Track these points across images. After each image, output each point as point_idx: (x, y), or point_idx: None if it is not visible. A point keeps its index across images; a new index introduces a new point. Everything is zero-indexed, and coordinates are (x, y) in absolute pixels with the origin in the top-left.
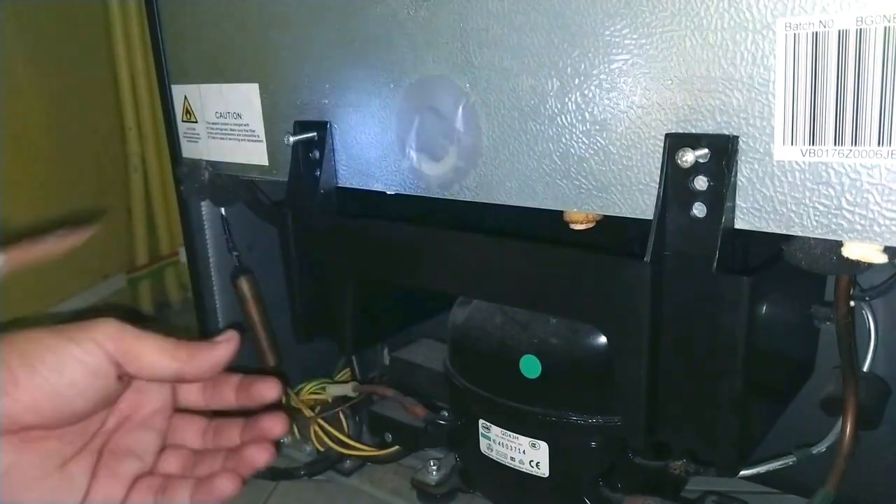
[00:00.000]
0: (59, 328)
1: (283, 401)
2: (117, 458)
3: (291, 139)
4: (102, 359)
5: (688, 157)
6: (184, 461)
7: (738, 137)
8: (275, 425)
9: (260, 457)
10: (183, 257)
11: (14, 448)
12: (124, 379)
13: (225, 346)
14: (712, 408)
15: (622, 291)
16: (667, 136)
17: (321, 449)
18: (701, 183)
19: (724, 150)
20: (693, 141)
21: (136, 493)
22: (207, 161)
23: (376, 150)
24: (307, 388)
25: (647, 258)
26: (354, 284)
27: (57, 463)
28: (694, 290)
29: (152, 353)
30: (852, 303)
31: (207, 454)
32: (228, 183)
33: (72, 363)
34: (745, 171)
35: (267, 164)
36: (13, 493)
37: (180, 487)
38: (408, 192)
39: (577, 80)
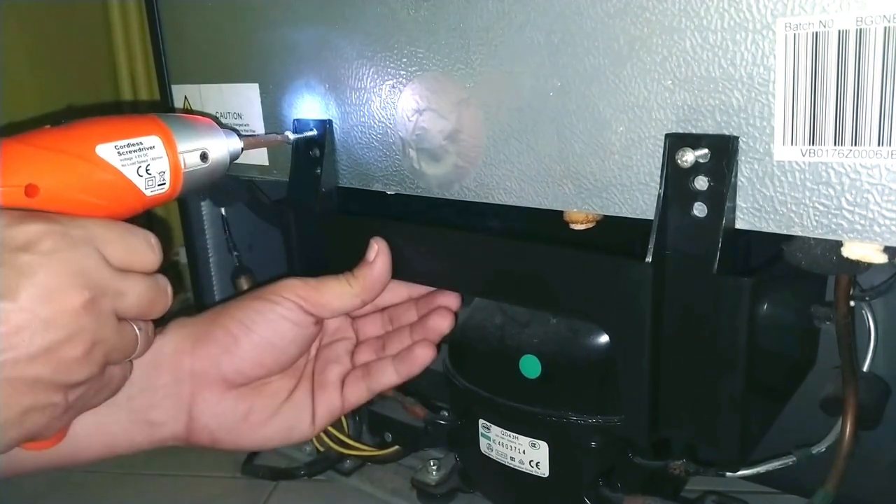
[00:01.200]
0: (256, 293)
1: None
2: (324, 372)
3: (292, 136)
4: (300, 312)
5: (688, 157)
6: (375, 348)
7: (738, 137)
8: (443, 321)
9: (443, 323)
10: (183, 258)
11: (248, 396)
12: (320, 322)
13: (381, 259)
14: (713, 406)
15: (623, 291)
16: (667, 135)
17: (321, 449)
18: (701, 183)
19: (724, 150)
20: (693, 141)
21: (348, 390)
22: None
23: (376, 150)
24: None
25: (647, 258)
26: None
27: (284, 397)
28: (695, 290)
29: (335, 299)
30: (852, 303)
31: (393, 335)
32: (228, 183)
33: (278, 320)
34: (746, 171)
35: (267, 163)
36: (255, 432)
37: (382, 367)
38: (408, 192)
39: (577, 80)
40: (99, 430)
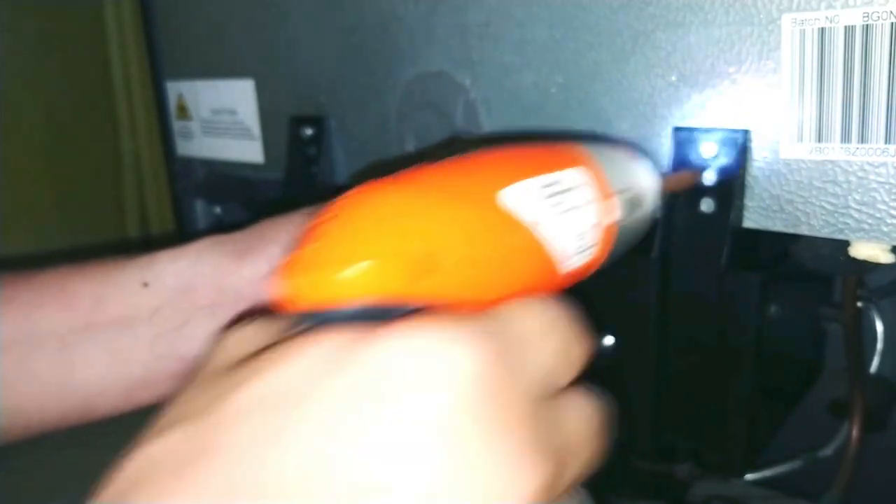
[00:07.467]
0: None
1: None
2: None
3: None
4: None
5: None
6: None
7: (745, 132)
8: None
9: None
10: None
11: None
12: None
13: None
14: (721, 407)
15: (630, 288)
16: (673, 130)
17: None
18: (708, 178)
19: (731, 145)
20: (700, 136)
21: None
22: (202, 159)
23: (374, 147)
24: None
25: (653, 254)
26: None
27: None
28: (702, 286)
29: None
30: (860, 304)
31: None
32: (223, 181)
33: None
34: (752, 169)
35: (262, 161)
36: None
37: None
38: None
39: (579, 77)
40: (114, 374)
